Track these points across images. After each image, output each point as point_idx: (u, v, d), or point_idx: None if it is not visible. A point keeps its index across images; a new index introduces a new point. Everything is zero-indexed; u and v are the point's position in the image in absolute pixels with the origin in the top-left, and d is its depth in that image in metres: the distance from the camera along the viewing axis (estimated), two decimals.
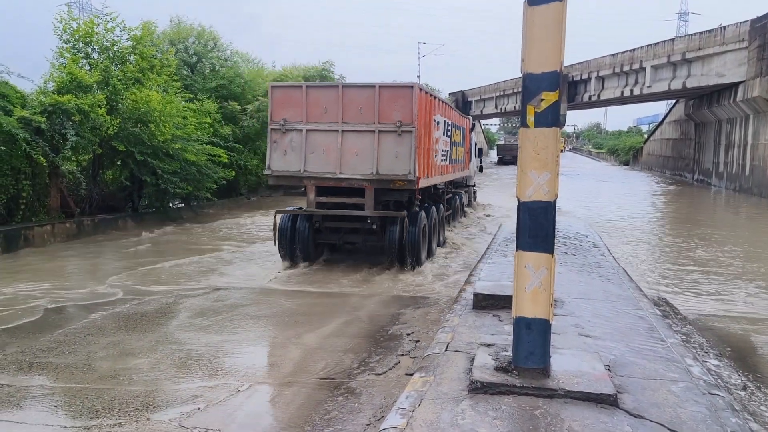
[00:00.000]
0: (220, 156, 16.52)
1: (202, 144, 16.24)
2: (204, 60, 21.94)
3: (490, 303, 6.52)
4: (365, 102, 9.57)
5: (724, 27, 27.71)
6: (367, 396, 4.86)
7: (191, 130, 15.86)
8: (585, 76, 39.02)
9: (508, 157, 57.23)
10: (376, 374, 5.37)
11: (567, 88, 39.88)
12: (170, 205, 16.64)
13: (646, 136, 62.06)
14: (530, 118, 4.14)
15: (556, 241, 13.00)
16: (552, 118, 4.11)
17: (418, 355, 5.72)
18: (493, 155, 72.43)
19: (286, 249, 10.29)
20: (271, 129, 9.97)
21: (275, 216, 10.48)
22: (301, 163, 9.81)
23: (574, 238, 13.00)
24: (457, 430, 3.61)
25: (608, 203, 23.97)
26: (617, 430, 3.64)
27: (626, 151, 64.23)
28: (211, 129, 17.34)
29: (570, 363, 4.56)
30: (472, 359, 4.73)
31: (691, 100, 36.51)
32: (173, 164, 14.94)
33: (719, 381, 5.15)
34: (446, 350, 5.18)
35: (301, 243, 10.22)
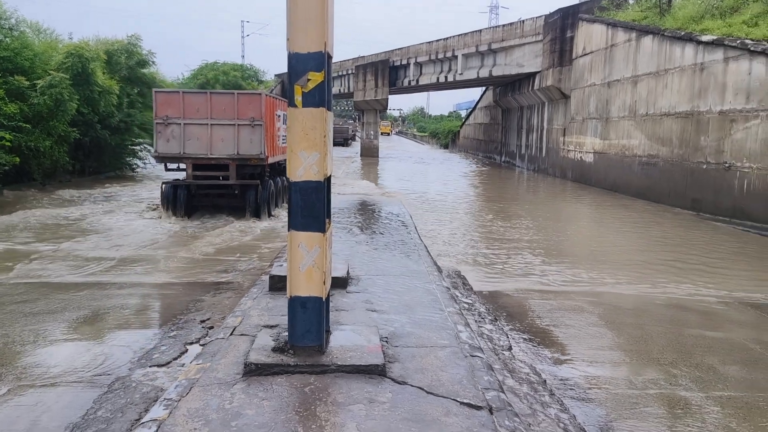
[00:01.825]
0: (2, 139, 14.70)
1: None
2: None
3: (286, 284, 6.53)
4: (228, 104, 13.01)
5: (523, 21, 30.39)
6: (143, 389, 4.63)
7: None
8: (405, 62, 40.59)
9: (338, 139, 61.99)
10: (158, 366, 5.14)
11: (389, 72, 41.34)
12: None
13: (463, 120, 66.36)
14: (298, 98, 4.17)
15: (369, 220, 13.45)
16: (319, 98, 4.17)
17: (208, 342, 5.57)
18: None
19: (170, 209, 13.52)
20: (156, 123, 13.02)
21: (162, 185, 13.77)
22: (181, 147, 13.05)
23: (386, 218, 13.56)
24: (221, 415, 3.57)
25: (426, 183, 25.32)
26: (379, 397, 3.85)
27: (445, 135, 68.23)
28: None
29: (348, 338, 4.73)
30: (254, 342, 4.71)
31: (498, 87, 39.65)
32: None
33: (489, 344, 5.67)
34: (231, 335, 5.10)
35: (181, 204, 13.53)
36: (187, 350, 5.53)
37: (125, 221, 13.32)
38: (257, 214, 13.66)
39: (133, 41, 24.13)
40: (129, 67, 23.60)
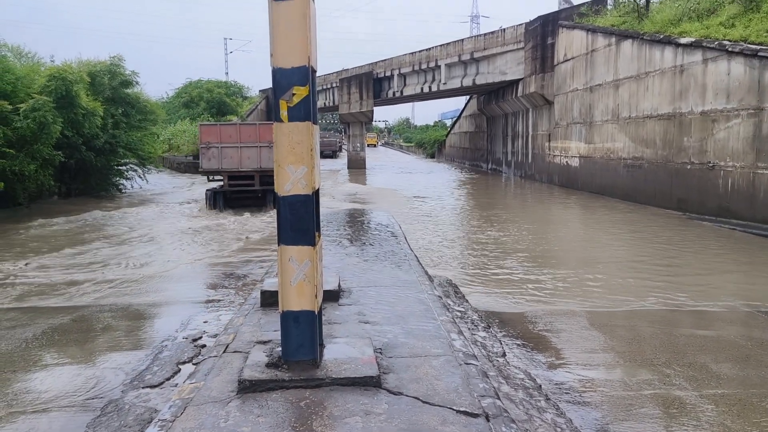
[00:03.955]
0: None
1: None
2: None
3: (277, 300, 6.50)
4: (252, 131, 18.25)
5: (504, 29, 30.66)
6: (136, 411, 4.58)
7: None
8: (388, 74, 40.79)
9: (327, 151, 68.19)
10: (151, 387, 5.09)
11: (373, 84, 41.52)
12: None
13: (449, 129, 66.58)
14: (283, 113, 4.18)
15: (358, 232, 13.48)
16: (305, 113, 4.18)
17: (200, 361, 5.53)
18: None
19: (212, 206, 18.52)
20: (201, 147, 18.42)
21: (206, 192, 19.10)
22: (219, 164, 18.34)
23: (375, 229, 13.55)
24: None
25: (414, 193, 25.34)
26: (375, 408, 3.83)
27: (431, 145, 68.44)
28: None
29: (342, 351, 4.71)
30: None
31: (482, 95, 39.93)
32: None
33: (482, 351, 5.67)
34: (224, 352, 5.06)
35: (219, 203, 18.56)
36: (179, 370, 5.49)
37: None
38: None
39: (115, 62, 24.07)
40: (112, 87, 23.54)
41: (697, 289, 8.63)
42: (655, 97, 17.92)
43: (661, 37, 17.51)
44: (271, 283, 6.92)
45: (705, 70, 15.49)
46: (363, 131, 45.05)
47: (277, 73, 4.14)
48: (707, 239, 12.84)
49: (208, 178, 19.44)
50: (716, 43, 15.05)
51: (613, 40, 20.63)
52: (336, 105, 45.65)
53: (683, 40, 16.41)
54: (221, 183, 19.10)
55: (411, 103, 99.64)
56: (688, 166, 16.21)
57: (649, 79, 18.25)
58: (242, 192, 18.74)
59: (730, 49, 14.43)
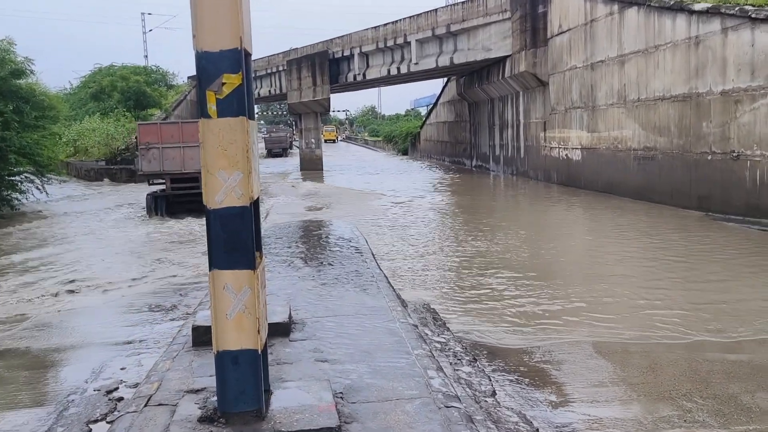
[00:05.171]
0: None
1: None
2: None
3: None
4: (195, 129, 23.74)
5: None
6: None
7: None
8: (348, 53, 40.89)
9: (276, 149, 69.42)
10: None
11: (329, 67, 41.60)
12: None
13: (424, 119, 66.98)
14: (212, 107, 4.17)
15: (314, 249, 13.45)
16: (238, 106, 4.18)
17: (116, 418, 5.46)
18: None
19: (152, 213, 20.57)
20: (140, 148, 20.51)
21: (147, 196, 21.07)
22: (161, 165, 20.29)
23: (335, 245, 13.59)
24: None
25: (384, 200, 25.46)
26: None
27: (404, 138, 68.74)
28: None
29: (294, 397, 4.71)
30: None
31: (462, 77, 40.37)
32: None
33: (467, 390, 5.72)
34: (146, 406, 5.01)
35: (161, 209, 20.55)
36: (90, 430, 5.41)
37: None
38: None
39: (4, 46, 23.65)
40: (1, 78, 23.12)
41: (723, 306, 8.84)
42: (668, 75, 18.37)
43: (672, 3, 17.98)
44: (204, 317, 6.88)
45: (725, 41, 15.94)
46: (318, 124, 45.11)
47: (203, 59, 4.14)
48: (733, 244, 13.16)
49: (148, 182, 21.56)
50: (737, 9, 15.51)
51: (616, 7, 21.11)
52: (284, 93, 45.58)
53: (698, 6, 16.87)
54: (163, 187, 21.17)
55: (376, 88, 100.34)
56: (709, 157, 16.62)
57: (660, 54, 18.70)
58: (186, 195, 20.46)
59: (753, 16, 14.88)
